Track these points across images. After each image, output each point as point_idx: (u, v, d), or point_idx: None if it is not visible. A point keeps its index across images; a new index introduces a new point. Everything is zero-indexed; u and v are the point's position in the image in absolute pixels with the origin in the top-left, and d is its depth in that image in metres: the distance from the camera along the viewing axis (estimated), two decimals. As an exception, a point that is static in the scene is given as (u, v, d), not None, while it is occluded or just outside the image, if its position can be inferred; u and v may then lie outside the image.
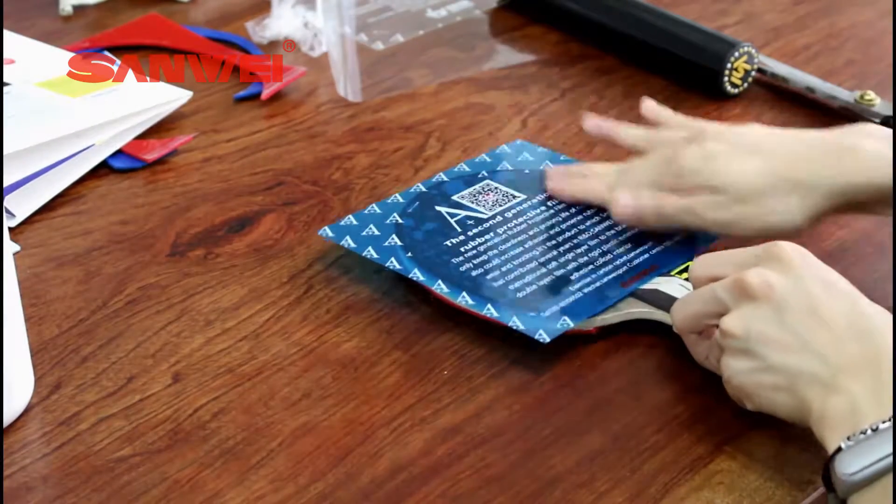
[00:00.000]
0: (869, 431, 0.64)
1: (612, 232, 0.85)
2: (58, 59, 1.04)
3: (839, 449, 0.64)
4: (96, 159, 0.94)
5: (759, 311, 0.70)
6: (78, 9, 1.15)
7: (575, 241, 0.85)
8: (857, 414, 0.65)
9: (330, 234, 0.85)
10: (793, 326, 0.69)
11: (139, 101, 0.98)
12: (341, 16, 1.05)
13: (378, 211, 0.87)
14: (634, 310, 0.80)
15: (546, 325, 0.77)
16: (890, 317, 0.68)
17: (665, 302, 0.79)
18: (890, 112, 0.99)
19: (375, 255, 0.83)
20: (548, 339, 0.76)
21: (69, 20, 1.14)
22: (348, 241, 0.84)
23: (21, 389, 0.74)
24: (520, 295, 0.80)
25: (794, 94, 1.04)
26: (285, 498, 0.69)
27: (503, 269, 0.82)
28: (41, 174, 0.91)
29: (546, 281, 0.81)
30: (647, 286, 0.81)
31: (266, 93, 1.03)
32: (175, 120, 1.00)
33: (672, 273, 0.83)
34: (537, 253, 0.83)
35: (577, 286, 0.81)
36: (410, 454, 0.72)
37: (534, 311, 0.78)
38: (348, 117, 1.02)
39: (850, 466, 0.63)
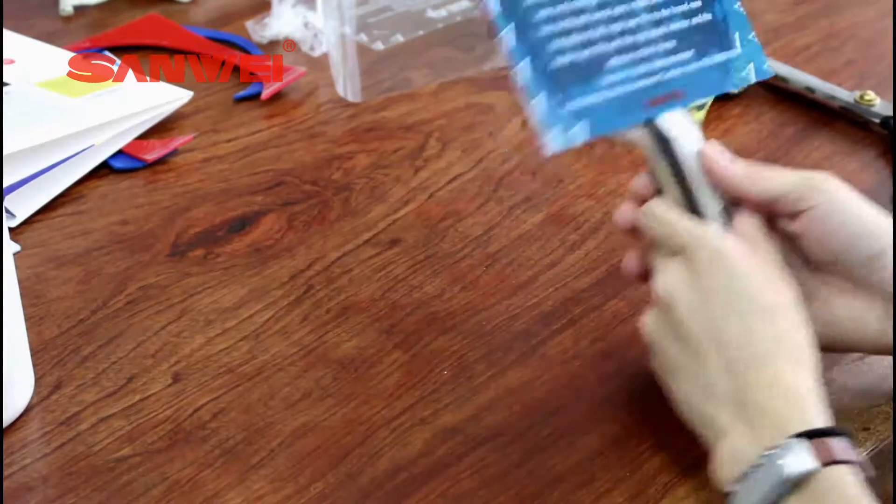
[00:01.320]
0: (749, 471, 0.63)
1: (666, 14, 0.77)
2: (58, 59, 1.04)
3: (730, 494, 0.64)
4: (96, 159, 0.94)
5: (664, 318, 0.70)
6: (78, 9, 1.15)
7: (627, 6, 0.77)
8: (739, 456, 0.64)
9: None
10: (693, 348, 0.68)
11: (139, 101, 0.98)
12: (341, 16, 1.05)
13: None
14: (640, 141, 0.75)
15: (561, 124, 0.72)
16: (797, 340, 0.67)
17: (670, 156, 0.74)
18: (890, 112, 0.99)
19: None
20: (553, 150, 0.72)
21: (69, 20, 1.14)
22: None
23: (21, 389, 0.74)
24: (555, 62, 0.73)
25: (794, 94, 1.04)
26: (285, 498, 0.69)
27: (554, 15, 0.75)
28: (41, 174, 0.91)
29: (586, 53, 0.74)
30: (665, 124, 0.74)
31: (266, 93, 1.03)
32: (175, 120, 1.00)
33: (690, 107, 0.77)
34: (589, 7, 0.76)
35: (609, 79, 0.74)
36: (410, 454, 0.72)
37: (562, 90, 0.73)
38: (348, 117, 1.02)
39: None
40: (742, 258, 0.69)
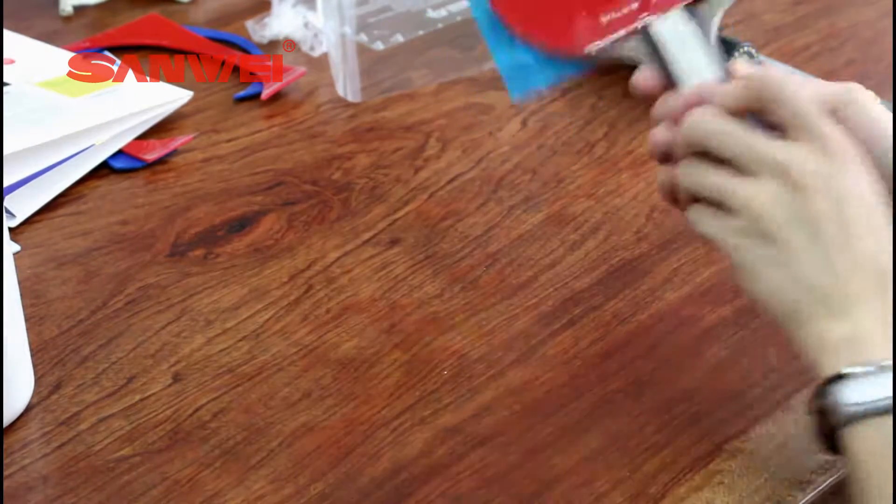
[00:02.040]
0: (875, 367, 0.62)
1: None
2: (58, 59, 1.04)
3: (840, 376, 0.62)
4: (96, 159, 0.94)
5: (789, 197, 0.66)
6: (78, 9, 1.15)
7: None
8: (862, 345, 0.63)
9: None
10: (820, 232, 0.65)
11: (139, 101, 0.98)
12: (341, 16, 1.05)
13: None
14: (633, 53, 0.75)
15: (532, 75, 0.73)
16: None
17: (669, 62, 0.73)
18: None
19: None
20: (517, 97, 0.73)
21: (69, 20, 1.14)
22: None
23: (21, 389, 0.74)
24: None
25: (794, 94, 1.04)
26: (285, 498, 0.69)
27: None
28: (41, 174, 0.91)
29: None
30: (660, 28, 0.73)
31: (266, 93, 1.03)
32: (175, 120, 1.00)
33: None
34: None
35: None
36: (410, 454, 0.72)
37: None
38: (348, 117, 1.02)
39: (851, 397, 0.62)
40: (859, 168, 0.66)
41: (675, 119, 0.71)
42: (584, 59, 0.75)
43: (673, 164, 0.72)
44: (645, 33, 0.74)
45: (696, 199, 0.70)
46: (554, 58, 0.75)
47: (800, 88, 0.68)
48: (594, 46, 0.75)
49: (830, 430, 0.63)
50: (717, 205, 0.69)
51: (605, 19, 0.75)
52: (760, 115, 0.69)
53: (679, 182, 0.71)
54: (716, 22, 0.74)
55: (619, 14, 0.74)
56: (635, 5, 0.74)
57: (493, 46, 0.76)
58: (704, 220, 0.70)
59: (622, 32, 0.74)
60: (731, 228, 0.68)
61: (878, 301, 0.64)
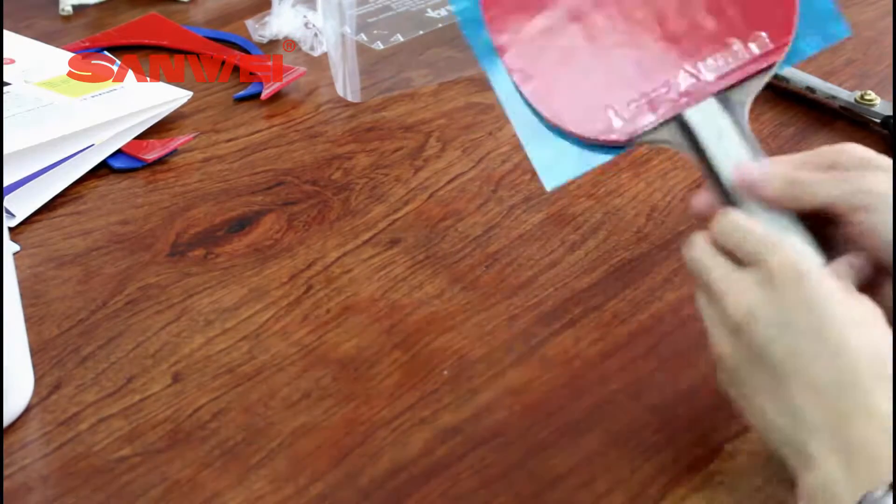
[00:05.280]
0: None
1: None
2: (58, 59, 1.04)
3: None
4: (96, 159, 0.94)
5: (739, 337, 0.65)
6: (78, 9, 1.15)
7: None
8: (832, 495, 0.59)
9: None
10: (776, 369, 0.63)
11: (139, 101, 0.98)
12: (341, 16, 1.05)
13: None
14: (667, 139, 0.74)
15: (563, 162, 0.73)
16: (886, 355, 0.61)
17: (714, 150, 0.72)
18: (890, 112, 0.99)
19: None
20: (551, 187, 0.73)
21: (69, 20, 1.14)
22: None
23: (21, 389, 0.74)
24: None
25: (794, 94, 1.04)
26: (285, 498, 0.69)
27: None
28: (41, 174, 0.91)
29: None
30: (694, 118, 0.73)
31: (266, 93, 1.03)
32: (175, 120, 1.00)
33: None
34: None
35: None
36: (410, 454, 0.72)
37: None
38: (348, 117, 1.02)
39: None
40: (820, 269, 0.64)
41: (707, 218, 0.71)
42: (617, 146, 0.75)
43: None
44: (679, 121, 0.74)
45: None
46: (587, 146, 0.75)
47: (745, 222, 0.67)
48: (628, 134, 0.75)
49: None
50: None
51: (637, 106, 0.75)
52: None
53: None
54: (748, 107, 0.74)
55: (652, 102, 0.74)
56: (670, 94, 0.74)
57: (525, 139, 0.76)
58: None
59: (656, 120, 0.74)
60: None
61: (835, 434, 0.60)
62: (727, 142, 0.72)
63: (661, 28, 0.76)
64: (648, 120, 0.74)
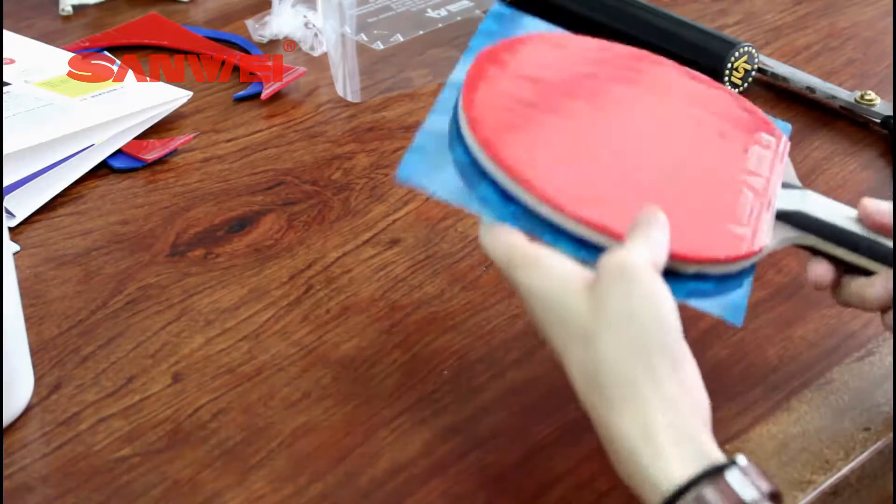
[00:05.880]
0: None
1: None
2: (58, 59, 1.04)
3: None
4: (96, 159, 0.94)
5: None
6: (78, 9, 1.15)
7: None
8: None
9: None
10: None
11: (139, 101, 0.98)
12: (341, 16, 1.05)
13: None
14: (789, 234, 0.74)
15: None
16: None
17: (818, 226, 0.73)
18: (890, 112, 0.99)
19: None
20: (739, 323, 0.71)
21: (69, 20, 1.14)
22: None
23: (21, 389, 0.74)
24: None
25: (794, 94, 1.04)
26: (285, 498, 0.69)
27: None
28: (41, 174, 0.91)
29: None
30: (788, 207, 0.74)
31: (266, 93, 1.03)
32: (175, 120, 1.00)
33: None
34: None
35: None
36: (410, 454, 0.72)
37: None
38: (348, 117, 1.02)
39: None
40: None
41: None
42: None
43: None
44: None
45: None
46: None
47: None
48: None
49: None
50: None
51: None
52: None
53: None
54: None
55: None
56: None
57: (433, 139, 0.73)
58: None
59: None
60: None
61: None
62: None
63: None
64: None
